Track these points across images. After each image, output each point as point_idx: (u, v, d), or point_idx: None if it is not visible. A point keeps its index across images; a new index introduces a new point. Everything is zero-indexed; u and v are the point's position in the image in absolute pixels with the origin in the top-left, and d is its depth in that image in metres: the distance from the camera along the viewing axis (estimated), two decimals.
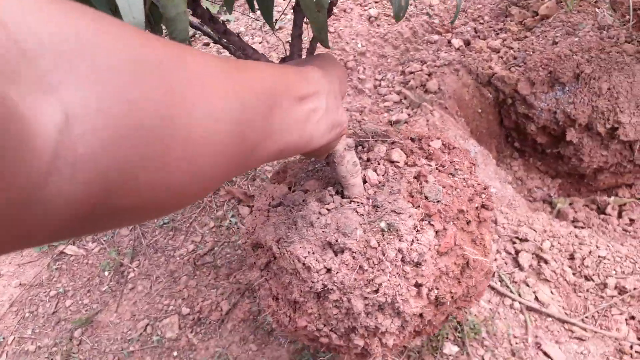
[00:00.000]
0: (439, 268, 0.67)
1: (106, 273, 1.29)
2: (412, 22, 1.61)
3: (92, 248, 1.37)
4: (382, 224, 0.63)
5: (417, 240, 0.64)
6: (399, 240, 0.63)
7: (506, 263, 1.06)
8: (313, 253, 0.65)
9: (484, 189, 0.77)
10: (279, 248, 0.67)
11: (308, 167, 0.80)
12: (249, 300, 1.10)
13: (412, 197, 0.68)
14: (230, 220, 1.29)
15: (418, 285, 0.66)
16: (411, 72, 1.48)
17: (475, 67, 1.49)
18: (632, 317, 0.92)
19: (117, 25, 0.20)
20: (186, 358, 1.05)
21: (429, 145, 0.77)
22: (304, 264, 0.64)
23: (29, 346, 1.21)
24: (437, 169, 0.74)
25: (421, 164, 0.73)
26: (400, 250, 0.63)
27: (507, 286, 1.01)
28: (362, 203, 0.67)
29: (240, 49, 0.64)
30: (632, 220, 1.36)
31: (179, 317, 1.12)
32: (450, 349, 0.90)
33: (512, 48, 1.50)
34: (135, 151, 0.19)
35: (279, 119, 0.33)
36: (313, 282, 0.64)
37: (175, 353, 1.07)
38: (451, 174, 0.74)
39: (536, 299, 0.98)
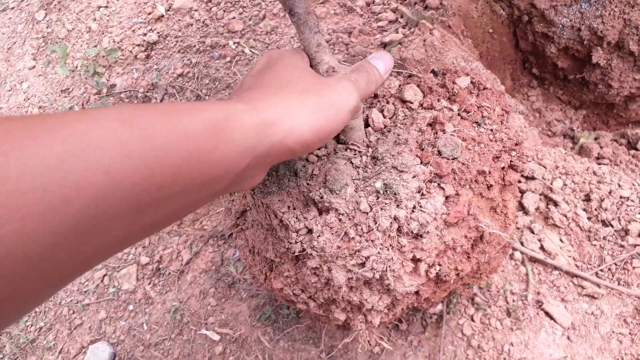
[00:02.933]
0: (445, 242, 0.53)
1: None
2: None
3: None
4: (378, 184, 0.49)
5: (420, 207, 0.50)
6: (397, 206, 0.49)
7: None
8: (294, 209, 0.52)
9: (516, 144, 0.60)
10: (253, 197, 0.55)
11: None
12: (212, 248, 0.98)
13: (422, 150, 0.53)
14: None
15: (415, 260, 0.53)
16: None
17: None
18: None
19: None
20: (142, 312, 0.94)
21: (454, 83, 0.60)
22: (281, 221, 0.52)
23: None
24: (459, 114, 0.57)
25: (440, 107, 0.57)
26: (396, 219, 0.49)
27: None
28: (359, 152, 0.53)
29: None
30: None
31: (137, 267, 1.01)
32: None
33: None
34: None
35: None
36: (290, 244, 0.52)
37: (131, 307, 0.96)
38: (476, 122, 0.58)
39: (542, 248, 0.82)
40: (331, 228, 0.50)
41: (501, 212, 0.61)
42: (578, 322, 0.72)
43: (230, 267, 0.93)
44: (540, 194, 0.89)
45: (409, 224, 0.49)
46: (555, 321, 0.72)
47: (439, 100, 0.58)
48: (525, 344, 0.70)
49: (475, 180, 0.56)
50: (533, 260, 0.81)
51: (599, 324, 0.71)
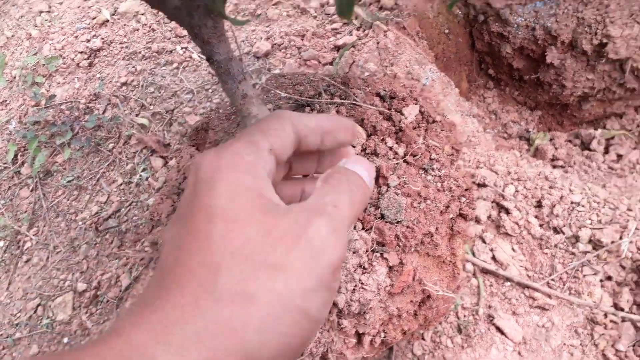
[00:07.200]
0: (389, 312, 0.49)
1: (0, 244, 1.10)
2: None
3: None
4: None
5: (362, 285, 0.45)
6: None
7: None
8: None
9: (466, 190, 0.56)
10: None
11: (235, 130, 0.61)
12: (153, 272, 0.92)
13: (364, 211, 0.48)
14: (140, 175, 1.08)
15: (359, 334, 0.49)
16: None
17: None
18: (609, 278, 0.74)
19: None
20: (77, 345, 0.88)
21: (401, 114, 0.55)
22: None
23: None
24: (405, 160, 0.52)
25: (384, 150, 0.52)
26: (335, 305, 0.44)
27: None
28: None
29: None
30: (619, 156, 1.16)
31: (73, 295, 0.94)
32: None
33: None
34: None
35: None
36: None
37: (65, 339, 0.89)
38: (423, 169, 0.53)
39: (493, 258, 0.79)
40: None
41: (450, 261, 0.57)
42: (529, 336, 0.69)
43: None
44: (492, 202, 0.86)
45: (349, 307, 0.45)
46: (506, 336, 0.69)
47: (383, 140, 0.53)
48: None
49: (422, 242, 0.51)
50: (485, 271, 0.78)
51: (550, 336, 0.69)
